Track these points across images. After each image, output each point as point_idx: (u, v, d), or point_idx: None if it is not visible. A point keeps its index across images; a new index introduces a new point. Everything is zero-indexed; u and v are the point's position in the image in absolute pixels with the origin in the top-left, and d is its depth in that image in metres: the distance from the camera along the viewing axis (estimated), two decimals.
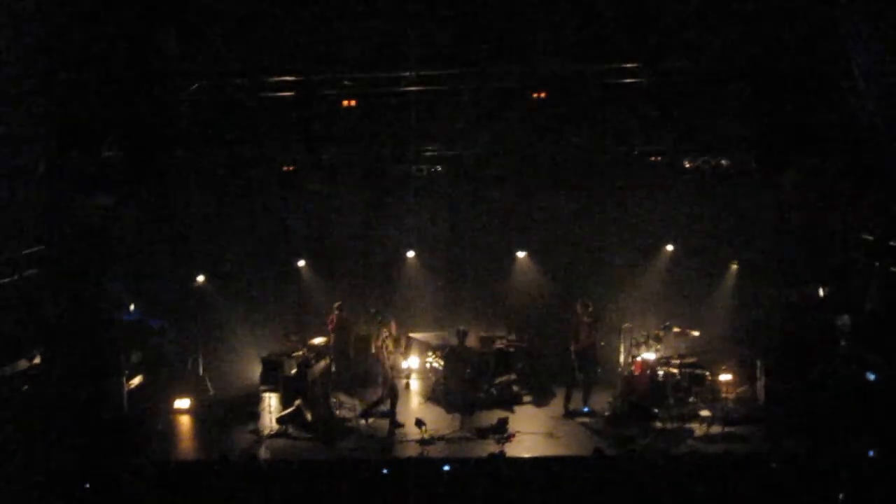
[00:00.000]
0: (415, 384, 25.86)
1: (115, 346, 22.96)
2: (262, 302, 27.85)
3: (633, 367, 23.22)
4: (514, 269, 28.14)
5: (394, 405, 22.21)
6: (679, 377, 22.58)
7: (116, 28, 19.99)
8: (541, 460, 19.62)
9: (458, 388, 23.00)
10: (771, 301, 25.11)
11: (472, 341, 23.83)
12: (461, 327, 23.79)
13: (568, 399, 22.84)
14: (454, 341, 23.79)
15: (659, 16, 20.16)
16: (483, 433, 21.31)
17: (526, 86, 21.93)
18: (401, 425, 22.01)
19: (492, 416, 22.09)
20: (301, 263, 28.08)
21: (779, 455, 18.45)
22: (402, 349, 23.79)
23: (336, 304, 26.23)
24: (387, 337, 22.72)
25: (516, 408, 23.50)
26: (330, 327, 26.01)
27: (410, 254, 28.18)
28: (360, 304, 26.96)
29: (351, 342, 26.35)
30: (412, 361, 26.14)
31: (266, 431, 21.83)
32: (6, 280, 20.80)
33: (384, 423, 22.34)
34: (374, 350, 23.25)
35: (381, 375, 23.03)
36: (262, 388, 23.58)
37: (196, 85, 21.84)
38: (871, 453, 17.51)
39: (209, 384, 25.10)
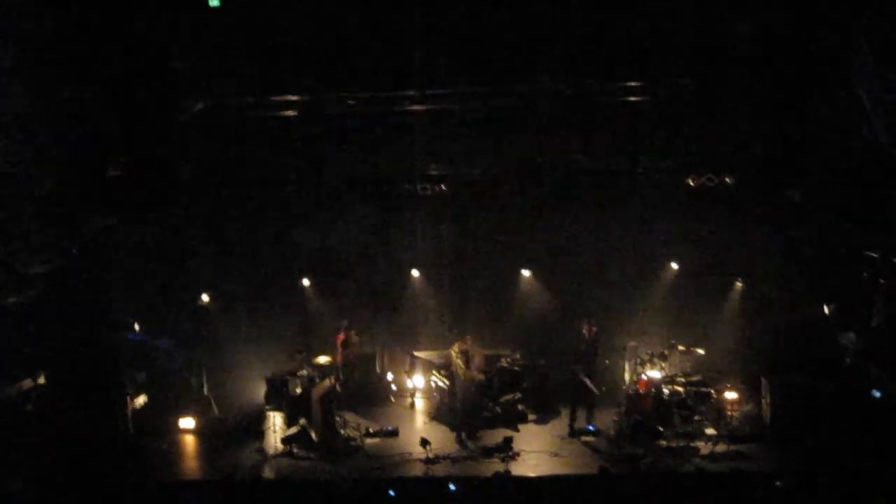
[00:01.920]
0: (419, 403, 25.83)
1: (120, 366, 22.98)
2: (266, 321, 27.84)
3: (637, 386, 23.19)
4: (519, 287, 28.12)
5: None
6: (684, 395, 22.60)
7: (122, 47, 20.04)
8: (546, 479, 19.63)
9: (463, 407, 22.98)
10: (776, 319, 25.07)
11: (475, 358, 23.74)
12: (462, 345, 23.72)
13: (572, 418, 22.83)
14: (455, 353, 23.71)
15: (663, 34, 20.17)
16: (488, 452, 21.32)
17: (531, 105, 21.96)
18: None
19: (497, 435, 22.13)
20: (305, 282, 28.11)
21: (784, 473, 18.43)
22: (475, 366, 23.68)
23: (344, 322, 26.25)
24: (460, 353, 22.90)
25: (521, 426, 23.51)
26: (338, 346, 26.04)
27: (415, 272, 28.22)
28: (365, 322, 27.02)
29: (357, 361, 26.36)
30: (417, 380, 26.14)
31: (271, 451, 21.84)
32: (11, 300, 20.80)
33: (389, 443, 22.37)
34: (451, 366, 23.46)
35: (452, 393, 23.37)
36: (267, 407, 23.55)
37: (201, 104, 21.87)
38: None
39: (214, 404, 25.11)
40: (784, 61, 20.01)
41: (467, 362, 23.16)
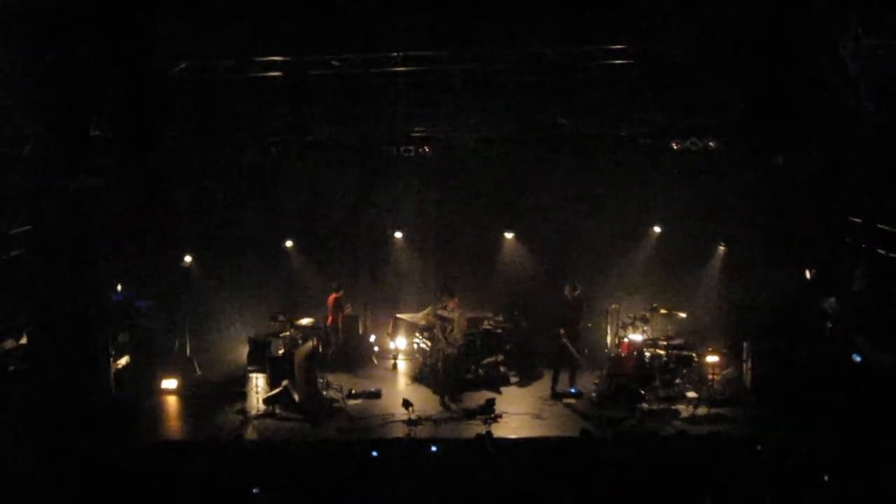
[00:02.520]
0: (402, 365, 25.86)
1: (103, 327, 22.92)
2: (249, 282, 27.87)
3: (619, 349, 23.29)
4: (502, 250, 28.17)
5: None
6: (666, 359, 22.66)
7: (103, 8, 19.95)
8: (527, 441, 19.70)
9: (445, 368, 23.01)
10: (758, 283, 25.11)
11: (458, 320, 23.74)
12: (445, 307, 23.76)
13: (555, 380, 22.90)
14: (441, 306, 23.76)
15: None
16: (470, 414, 21.38)
17: (515, 68, 21.93)
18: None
19: (479, 397, 22.15)
20: (289, 244, 28.09)
21: (764, 437, 18.51)
22: (458, 328, 23.67)
23: (334, 284, 26.32)
24: (441, 311, 23.05)
25: (503, 389, 23.59)
26: (329, 307, 26.11)
27: (398, 235, 28.24)
28: (349, 284, 27.07)
29: (342, 323, 26.42)
30: (399, 342, 26.16)
31: (253, 412, 21.86)
32: None
33: (372, 404, 22.42)
34: (433, 328, 23.67)
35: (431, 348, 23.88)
36: (250, 368, 23.58)
37: (183, 65, 21.78)
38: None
39: (196, 365, 25.12)
40: (770, 26, 20.02)
41: (450, 324, 23.19)
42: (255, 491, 15.36)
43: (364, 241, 28.57)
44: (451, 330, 23.16)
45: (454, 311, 23.35)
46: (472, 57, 21.71)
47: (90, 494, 15.75)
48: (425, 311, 25.18)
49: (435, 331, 23.47)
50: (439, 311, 23.52)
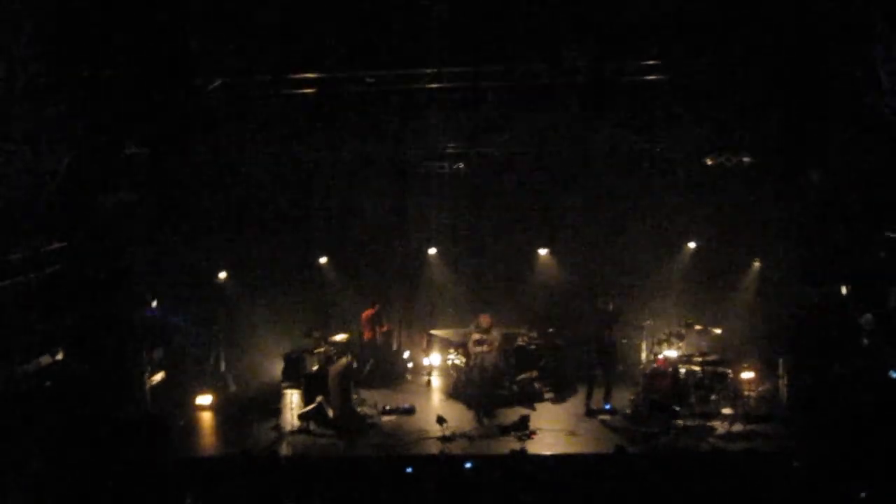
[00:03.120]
0: (436, 381, 25.88)
1: (137, 343, 23.03)
2: (284, 298, 27.93)
3: (655, 365, 23.21)
4: (536, 266, 28.18)
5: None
6: (701, 375, 22.54)
7: (138, 24, 20.05)
8: (562, 458, 19.65)
9: (479, 384, 23.02)
10: (793, 299, 25.02)
11: (493, 334, 23.74)
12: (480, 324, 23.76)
13: (589, 396, 22.82)
14: (475, 332, 23.76)
15: (683, 13, 20.10)
16: (504, 430, 21.30)
17: (549, 83, 21.93)
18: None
19: (513, 414, 22.12)
20: (323, 260, 28.19)
21: (801, 453, 18.43)
22: (492, 345, 23.72)
23: (371, 301, 26.46)
24: (475, 331, 23.12)
25: (538, 405, 23.51)
26: (364, 323, 26.20)
27: (432, 251, 28.28)
28: (384, 301, 27.12)
29: (379, 339, 26.50)
30: (433, 358, 26.19)
31: (288, 428, 21.86)
32: (29, 277, 20.85)
33: (406, 420, 22.42)
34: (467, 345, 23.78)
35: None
36: (284, 384, 23.69)
37: (219, 82, 21.87)
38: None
39: (231, 380, 25.21)
40: (802, 40, 19.95)
41: (485, 341, 23.21)
42: None
43: (398, 257, 28.62)
44: (487, 347, 23.20)
45: (489, 329, 23.37)
46: (506, 73, 21.71)
47: None
48: (459, 331, 25.18)
49: (471, 346, 23.47)
50: (475, 333, 23.54)
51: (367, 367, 25.91)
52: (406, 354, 27.17)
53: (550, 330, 26.59)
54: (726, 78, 21.22)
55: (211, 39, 20.63)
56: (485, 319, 23.44)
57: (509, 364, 24.62)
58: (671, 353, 23.41)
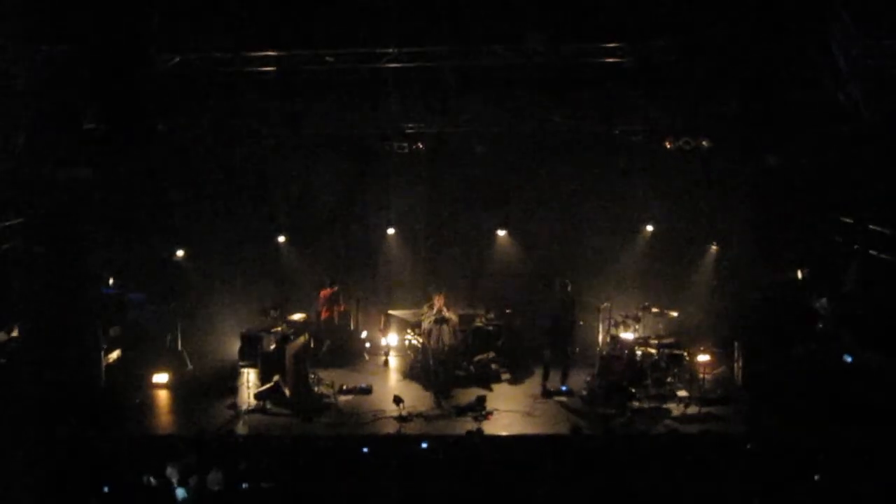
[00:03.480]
0: (393, 361, 25.88)
1: (94, 320, 22.94)
2: (241, 277, 27.86)
3: (611, 347, 23.29)
4: (494, 247, 28.19)
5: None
6: (657, 357, 22.67)
7: (97, 1, 19.92)
8: (518, 438, 19.72)
9: (436, 365, 23.03)
10: (749, 282, 25.16)
11: (450, 317, 23.74)
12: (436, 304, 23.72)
13: (546, 378, 22.89)
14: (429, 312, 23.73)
15: None
16: (461, 411, 21.37)
17: (508, 65, 21.92)
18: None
19: (470, 394, 22.18)
20: (281, 239, 28.10)
21: (755, 436, 18.56)
22: (449, 325, 23.67)
23: (329, 280, 26.39)
24: (429, 311, 23.13)
25: (494, 386, 23.54)
26: (321, 302, 26.16)
27: (391, 231, 28.24)
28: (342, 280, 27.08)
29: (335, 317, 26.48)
30: (391, 338, 26.16)
31: (244, 407, 21.80)
32: None
33: (363, 400, 22.43)
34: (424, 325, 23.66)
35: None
36: (241, 363, 23.64)
37: (177, 59, 21.75)
38: None
39: (187, 359, 25.08)
40: (761, 24, 20.01)
41: (442, 320, 23.20)
42: (243, 486, 15.36)
43: (356, 237, 28.57)
44: (445, 328, 23.20)
45: (442, 309, 23.36)
46: (465, 53, 21.70)
47: (77, 487, 15.73)
48: (417, 311, 25.14)
49: (426, 325, 23.45)
50: (429, 311, 23.51)
51: (325, 347, 25.89)
52: (363, 334, 27.09)
53: (508, 311, 26.65)
54: (684, 61, 21.28)
55: (169, 16, 20.51)
56: (438, 300, 23.41)
57: (466, 345, 24.62)
58: (627, 335, 23.53)
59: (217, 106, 23.40)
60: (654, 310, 24.09)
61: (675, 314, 24.14)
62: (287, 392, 21.88)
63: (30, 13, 19.62)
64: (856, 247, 22.47)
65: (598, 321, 24.69)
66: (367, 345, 26.75)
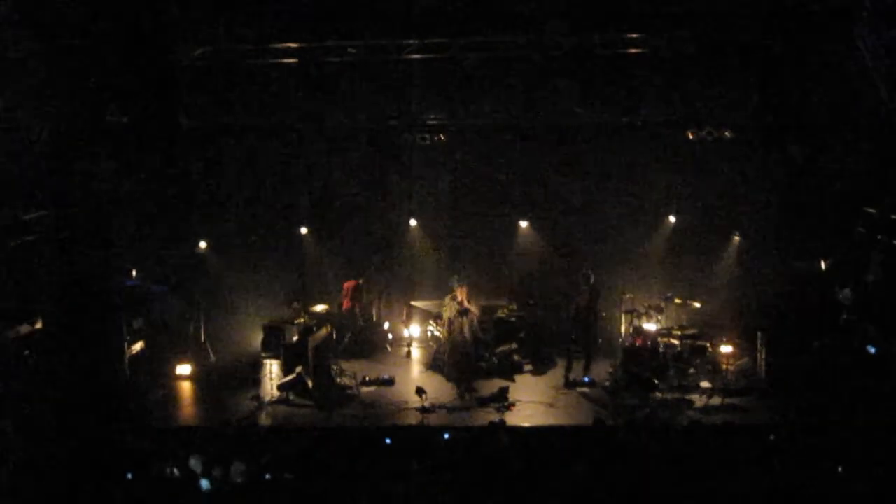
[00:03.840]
0: (415, 353, 25.92)
1: (117, 312, 23.01)
2: (264, 269, 27.87)
3: (634, 338, 23.27)
4: (517, 238, 28.14)
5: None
6: (680, 348, 22.64)
7: None
8: (541, 429, 19.73)
9: (459, 356, 23.03)
10: (773, 273, 25.10)
11: (472, 309, 23.71)
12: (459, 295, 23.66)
13: (568, 369, 22.89)
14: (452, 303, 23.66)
15: None
16: (483, 402, 21.40)
17: (531, 56, 21.91)
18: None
19: (492, 385, 22.20)
20: (304, 230, 28.11)
21: (778, 427, 18.51)
22: (472, 316, 23.59)
23: (355, 272, 26.67)
24: (451, 302, 23.14)
25: (517, 377, 23.55)
26: (346, 294, 26.23)
27: (413, 222, 28.23)
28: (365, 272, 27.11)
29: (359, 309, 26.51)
30: (413, 330, 26.18)
31: (267, 398, 21.89)
32: (8, 244, 20.79)
33: (385, 391, 22.46)
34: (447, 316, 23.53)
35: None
36: (264, 354, 23.62)
37: (200, 50, 21.80)
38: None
39: (210, 350, 25.18)
40: (786, 16, 19.96)
41: (464, 312, 23.19)
42: (266, 477, 15.39)
43: (379, 229, 28.55)
44: (466, 319, 23.17)
45: (464, 301, 23.33)
46: (487, 44, 21.70)
47: (101, 480, 15.79)
48: (439, 302, 25.11)
49: (448, 317, 23.42)
50: (453, 302, 23.44)
51: (347, 338, 25.92)
52: (386, 325, 27.16)
53: (530, 302, 26.64)
54: (708, 52, 21.24)
55: (192, 8, 20.56)
56: (460, 291, 23.37)
57: (489, 336, 24.62)
58: (650, 326, 23.53)
59: (240, 98, 23.44)
60: (677, 301, 24.09)
61: (697, 305, 24.11)
62: (310, 383, 21.90)
63: (53, 5, 19.68)
64: (879, 237, 22.37)
65: (620, 312, 24.66)
66: (390, 336, 26.79)
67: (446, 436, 18.02)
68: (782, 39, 20.35)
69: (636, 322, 23.81)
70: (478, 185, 27.77)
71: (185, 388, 23.31)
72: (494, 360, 24.09)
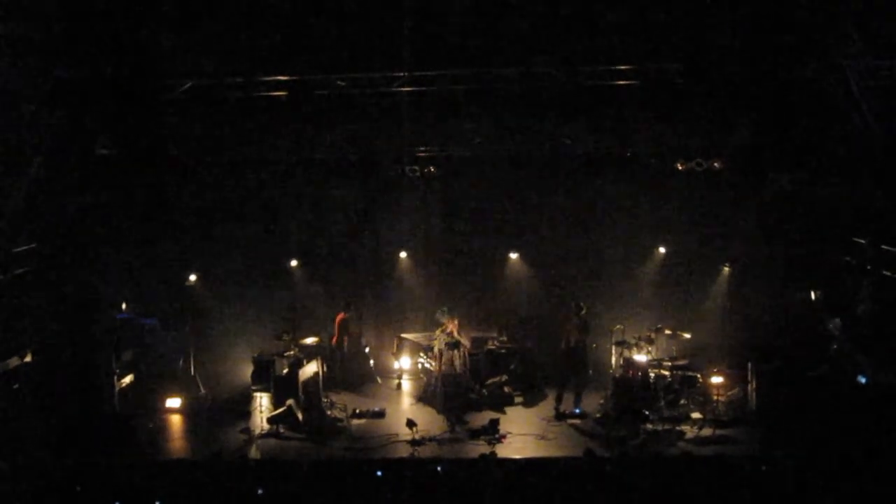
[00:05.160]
0: (406, 385, 25.88)
1: (107, 345, 22.97)
2: (253, 302, 27.81)
3: (624, 369, 23.25)
4: (507, 269, 28.16)
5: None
6: (670, 379, 22.62)
7: (108, 26, 20.01)
8: (532, 461, 19.64)
9: (449, 388, 23.01)
10: (763, 304, 25.14)
11: (462, 341, 23.71)
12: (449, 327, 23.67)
13: (559, 400, 22.87)
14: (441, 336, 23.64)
15: (655, 19, 20.17)
16: (474, 434, 21.35)
17: (521, 88, 21.97)
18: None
19: (483, 417, 22.13)
20: (293, 263, 28.08)
21: (769, 458, 18.50)
22: (461, 348, 23.64)
23: (343, 304, 26.48)
24: (442, 334, 23.15)
25: (507, 409, 23.50)
26: (336, 327, 26.18)
27: (403, 254, 28.23)
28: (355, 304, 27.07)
29: (348, 342, 26.46)
30: (404, 362, 26.16)
31: (257, 431, 21.85)
32: None
33: (376, 424, 22.41)
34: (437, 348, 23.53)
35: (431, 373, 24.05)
36: (254, 387, 23.56)
37: (189, 83, 21.84)
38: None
39: (200, 383, 25.11)
40: (772, 47, 20.05)
41: (455, 345, 23.18)
42: None
43: (368, 261, 28.53)
44: (457, 352, 23.17)
45: (454, 333, 23.34)
46: (476, 76, 21.76)
47: None
48: (430, 335, 25.09)
49: (439, 349, 23.41)
50: (444, 334, 23.43)
51: (337, 371, 25.87)
52: (371, 363, 27.12)
53: (520, 334, 26.63)
54: (697, 84, 21.31)
55: (181, 41, 20.60)
56: (451, 324, 23.38)
57: (479, 368, 24.61)
58: (641, 357, 23.47)
59: (230, 131, 23.47)
60: (668, 331, 24.07)
61: (688, 336, 24.09)
62: (300, 416, 21.87)
63: (42, 38, 19.72)
64: (868, 267, 22.44)
65: (611, 343, 24.65)
66: (372, 362, 26.77)
67: (438, 468, 17.96)
68: (770, 70, 20.43)
69: (626, 353, 23.75)
70: (467, 217, 27.76)
71: (175, 420, 23.23)
72: (485, 391, 24.05)
